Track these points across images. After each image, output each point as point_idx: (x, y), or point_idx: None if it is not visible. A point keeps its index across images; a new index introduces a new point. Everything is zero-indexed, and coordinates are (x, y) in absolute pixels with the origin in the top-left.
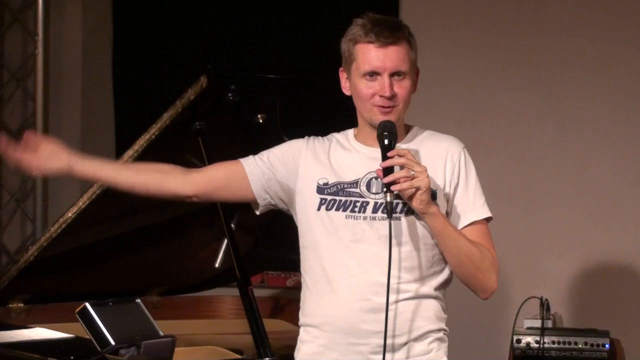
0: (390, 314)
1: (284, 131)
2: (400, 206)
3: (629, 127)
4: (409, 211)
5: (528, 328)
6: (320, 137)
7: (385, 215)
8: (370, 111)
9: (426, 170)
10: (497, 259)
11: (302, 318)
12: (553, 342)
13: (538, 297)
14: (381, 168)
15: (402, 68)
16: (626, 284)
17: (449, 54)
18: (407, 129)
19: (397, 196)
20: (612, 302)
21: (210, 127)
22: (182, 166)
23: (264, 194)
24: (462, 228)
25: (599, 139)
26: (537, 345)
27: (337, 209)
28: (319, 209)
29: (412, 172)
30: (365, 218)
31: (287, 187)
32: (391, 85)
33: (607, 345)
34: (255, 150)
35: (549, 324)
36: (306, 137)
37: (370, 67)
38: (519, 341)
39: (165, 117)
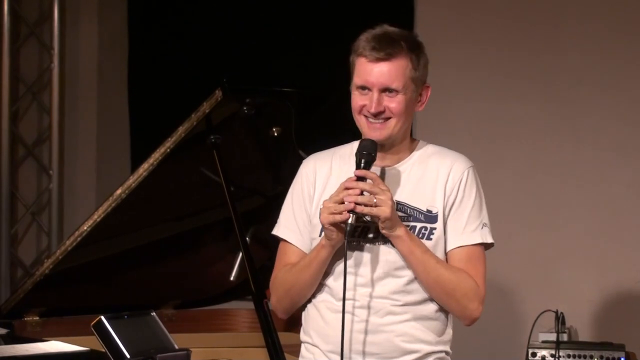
0: (388, 335)
1: (299, 145)
2: None
3: None
4: None
5: (543, 341)
6: (320, 155)
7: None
8: (359, 123)
9: (390, 199)
10: (482, 288)
11: (303, 335)
12: (568, 356)
13: (553, 311)
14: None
15: (393, 85)
16: None
17: (465, 68)
18: (413, 143)
19: None
20: (628, 316)
21: (225, 140)
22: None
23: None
24: (449, 251)
25: (615, 153)
26: (553, 358)
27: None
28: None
29: (374, 200)
30: (365, 242)
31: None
32: (379, 101)
33: (622, 359)
34: (269, 164)
35: (565, 337)
36: (302, 168)
37: (361, 81)
38: (534, 354)
39: (181, 131)
